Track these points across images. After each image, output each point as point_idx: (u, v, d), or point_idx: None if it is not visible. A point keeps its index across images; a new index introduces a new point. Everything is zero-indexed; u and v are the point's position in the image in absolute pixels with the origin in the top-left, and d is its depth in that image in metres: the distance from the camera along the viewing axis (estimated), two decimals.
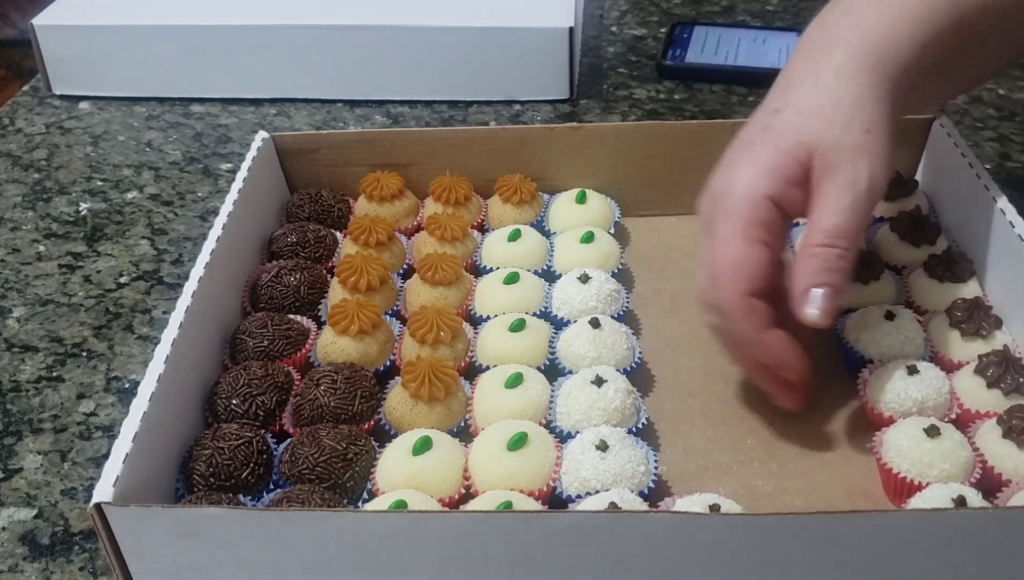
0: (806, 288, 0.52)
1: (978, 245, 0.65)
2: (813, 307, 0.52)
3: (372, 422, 0.58)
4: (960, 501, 0.48)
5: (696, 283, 0.56)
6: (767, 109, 0.56)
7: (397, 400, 0.58)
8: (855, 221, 0.53)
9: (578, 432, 0.55)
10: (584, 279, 0.63)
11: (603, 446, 0.52)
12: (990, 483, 0.52)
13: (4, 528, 0.56)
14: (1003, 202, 0.63)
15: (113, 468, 0.47)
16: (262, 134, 0.73)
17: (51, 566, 0.54)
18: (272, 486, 0.55)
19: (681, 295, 0.69)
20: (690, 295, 0.68)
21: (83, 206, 0.83)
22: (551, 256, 0.69)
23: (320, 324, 0.65)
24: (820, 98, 0.54)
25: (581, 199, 0.72)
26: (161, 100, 0.97)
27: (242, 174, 0.68)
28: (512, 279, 0.65)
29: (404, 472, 0.53)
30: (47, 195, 0.85)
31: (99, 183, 0.86)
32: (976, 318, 0.59)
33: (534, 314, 0.63)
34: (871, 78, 0.54)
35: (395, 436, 0.56)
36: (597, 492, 0.51)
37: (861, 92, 0.54)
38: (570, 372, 0.59)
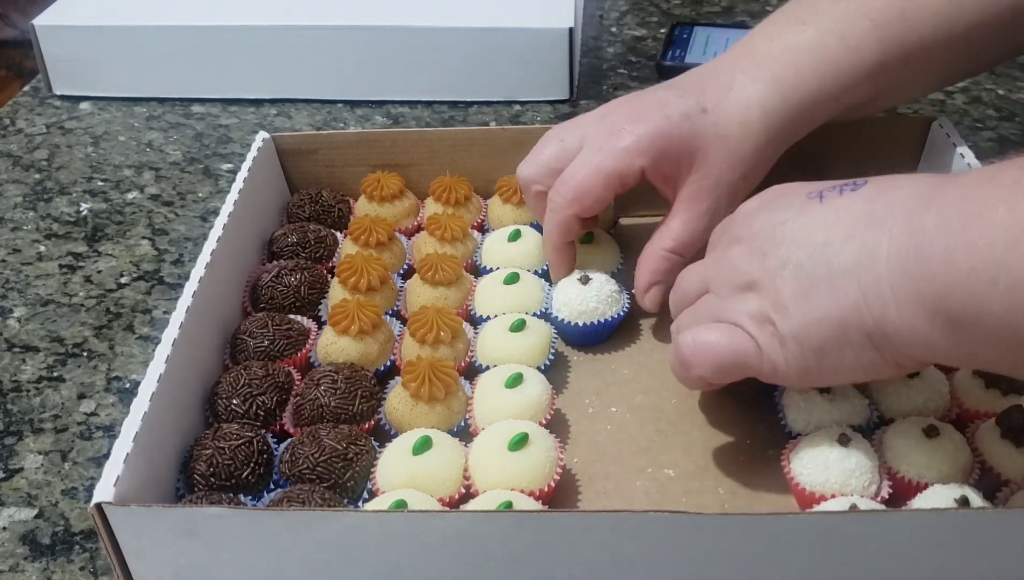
0: (648, 284, 0.63)
1: None
2: (650, 301, 0.63)
3: (372, 422, 0.58)
4: (963, 501, 0.48)
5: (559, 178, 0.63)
6: (696, 99, 0.61)
7: (397, 400, 0.58)
8: (700, 241, 0.61)
9: None
10: (584, 281, 0.63)
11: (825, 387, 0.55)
12: (989, 483, 0.52)
13: (4, 528, 0.56)
14: None
15: (113, 468, 0.47)
16: (262, 134, 0.73)
17: (51, 566, 0.54)
18: (272, 486, 0.55)
19: None
20: None
21: (84, 206, 0.83)
22: None
23: (320, 324, 0.65)
24: (736, 128, 0.60)
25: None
26: (161, 100, 0.97)
27: (242, 174, 0.68)
28: (512, 279, 0.65)
29: (404, 472, 0.53)
30: (48, 195, 0.85)
31: (100, 183, 0.86)
32: None
33: (534, 314, 0.64)
34: (780, 127, 0.61)
35: (395, 436, 0.56)
36: None
37: (763, 143, 0.61)
38: None
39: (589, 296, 0.63)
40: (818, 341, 0.46)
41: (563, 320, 0.63)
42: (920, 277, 0.42)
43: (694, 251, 0.62)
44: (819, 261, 0.46)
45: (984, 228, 0.39)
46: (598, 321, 0.63)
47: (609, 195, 0.62)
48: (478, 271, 0.69)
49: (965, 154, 0.68)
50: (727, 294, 0.51)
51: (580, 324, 0.63)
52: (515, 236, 0.69)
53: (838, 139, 0.72)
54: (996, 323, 0.39)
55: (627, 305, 0.65)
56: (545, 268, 0.68)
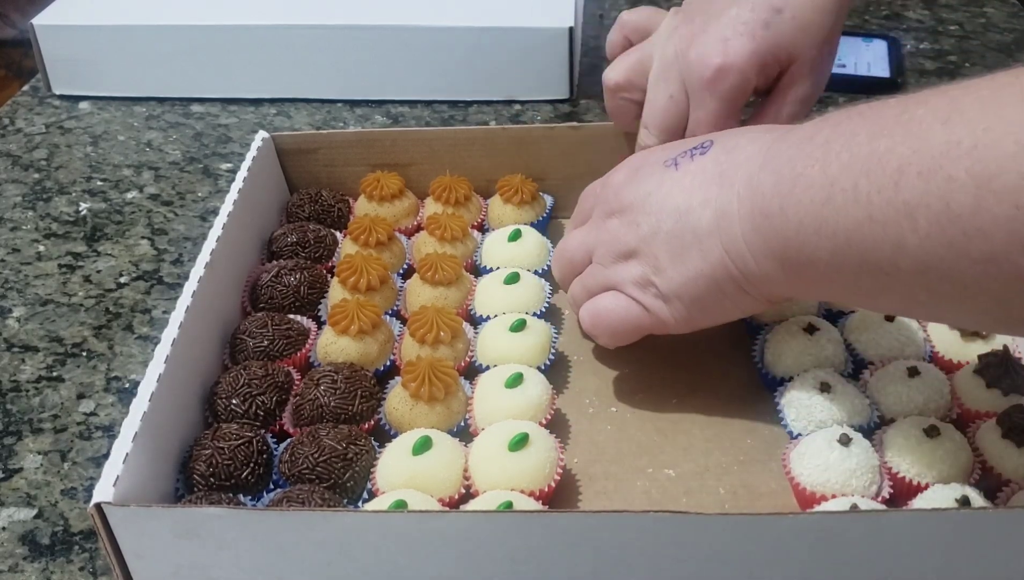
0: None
1: None
2: None
3: (372, 422, 0.58)
4: (964, 501, 0.48)
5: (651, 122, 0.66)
6: (769, 5, 0.62)
7: (397, 400, 0.58)
8: (792, 121, 0.63)
9: (791, 378, 0.58)
10: None
11: (826, 387, 0.56)
12: (990, 483, 0.52)
13: (4, 528, 0.56)
14: None
15: (113, 468, 0.47)
16: (262, 134, 0.73)
17: (51, 566, 0.54)
18: (272, 486, 0.55)
19: None
20: None
21: (83, 206, 0.83)
22: (551, 256, 0.69)
23: (320, 324, 0.65)
24: (812, 14, 0.62)
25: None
26: (161, 100, 0.97)
27: (242, 174, 0.68)
28: (512, 279, 0.65)
29: (404, 472, 0.53)
30: (47, 195, 0.85)
31: (99, 183, 0.86)
32: None
33: (534, 314, 0.63)
34: None
35: (395, 436, 0.56)
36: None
37: (835, 19, 0.63)
38: None
39: None
40: (697, 294, 0.54)
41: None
42: (765, 231, 0.49)
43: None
44: (685, 227, 0.53)
45: (805, 187, 0.46)
46: None
47: (737, 118, 0.64)
48: (478, 271, 0.69)
49: None
50: (610, 263, 0.57)
51: None
52: (515, 236, 0.68)
53: None
54: (825, 266, 0.46)
55: None
56: (545, 268, 0.68)
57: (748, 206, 0.50)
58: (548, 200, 0.75)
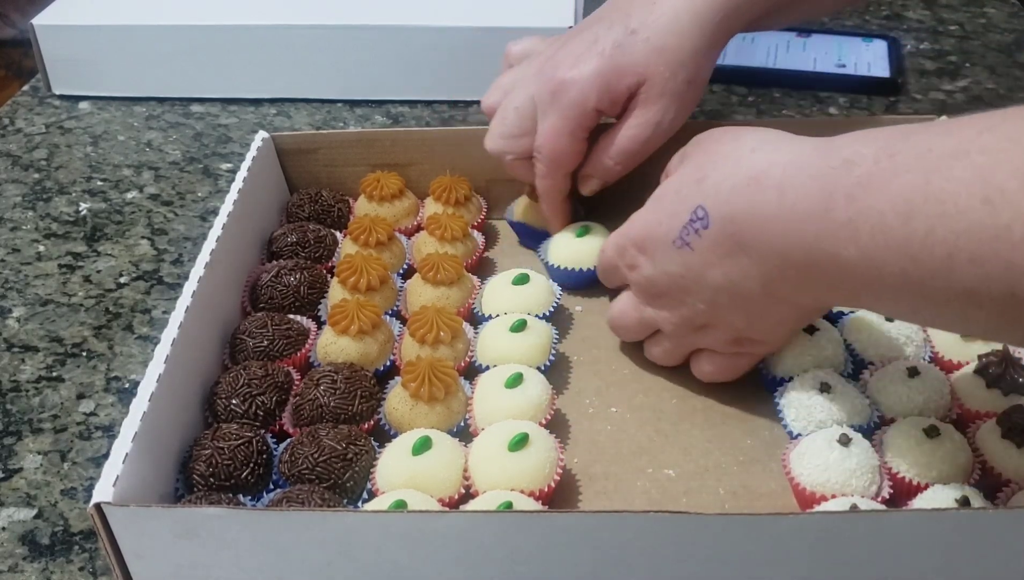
0: (588, 177, 0.69)
1: None
2: (588, 190, 0.69)
3: (372, 422, 0.58)
4: (964, 501, 0.48)
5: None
6: (624, 24, 0.63)
7: (397, 400, 0.58)
8: (642, 152, 0.66)
9: (790, 378, 0.58)
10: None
11: (826, 387, 0.56)
12: (990, 483, 0.52)
13: (4, 528, 0.56)
14: None
15: (113, 468, 0.47)
16: (262, 134, 0.73)
17: (51, 566, 0.54)
18: (272, 486, 0.55)
19: None
20: None
21: (83, 206, 0.83)
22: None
23: (320, 324, 0.65)
24: (669, 37, 0.62)
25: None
26: (161, 100, 0.97)
27: (242, 174, 0.68)
28: (521, 280, 0.65)
29: (404, 472, 0.53)
30: (47, 195, 0.85)
31: (99, 183, 0.86)
32: None
33: (539, 316, 0.63)
34: (714, 26, 0.63)
35: (395, 436, 0.56)
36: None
37: (700, 45, 0.63)
38: None
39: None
40: (783, 334, 0.58)
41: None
42: (817, 293, 0.51)
43: (638, 162, 0.66)
44: (739, 299, 0.54)
45: (847, 268, 0.46)
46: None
47: (582, 145, 0.66)
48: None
49: None
50: (687, 334, 0.59)
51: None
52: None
53: None
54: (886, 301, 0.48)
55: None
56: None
57: (793, 277, 0.50)
58: None
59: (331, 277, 0.67)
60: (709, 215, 0.52)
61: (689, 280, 0.55)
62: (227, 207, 0.65)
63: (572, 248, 0.69)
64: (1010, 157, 0.39)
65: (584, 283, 0.68)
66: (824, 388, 0.55)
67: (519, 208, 0.73)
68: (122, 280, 0.75)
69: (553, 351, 0.62)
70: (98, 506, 0.45)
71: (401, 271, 0.69)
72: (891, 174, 0.43)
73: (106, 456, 0.48)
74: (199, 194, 0.84)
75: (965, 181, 0.40)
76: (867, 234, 0.44)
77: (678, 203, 0.54)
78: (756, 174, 0.50)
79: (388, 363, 0.62)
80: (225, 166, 0.88)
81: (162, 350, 0.54)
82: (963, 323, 0.47)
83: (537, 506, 0.51)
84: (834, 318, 0.63)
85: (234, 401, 0.57)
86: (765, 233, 0.49)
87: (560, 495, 0.54)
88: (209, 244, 0.61)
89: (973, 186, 0.40)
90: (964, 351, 0.59)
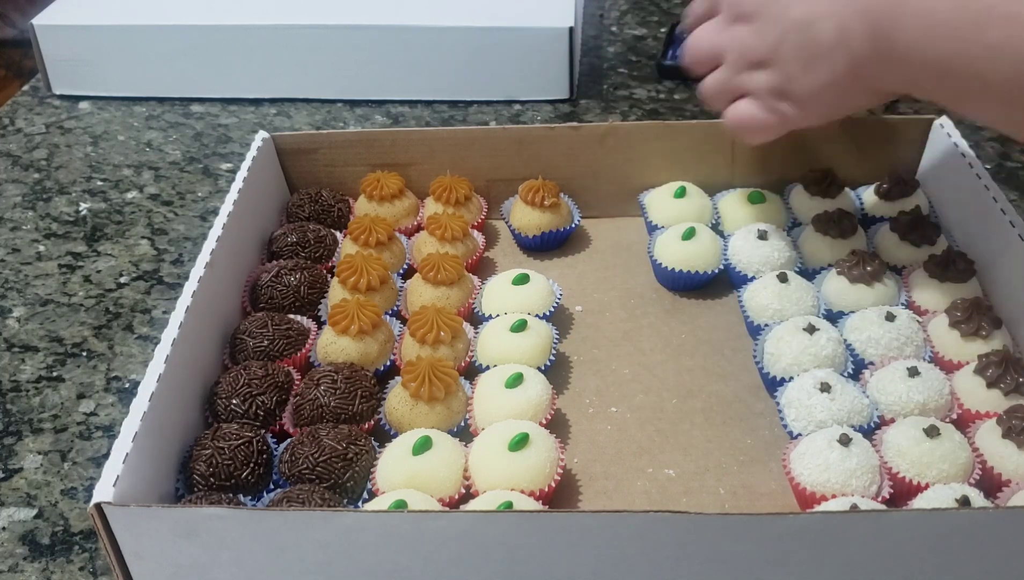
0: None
1: (978, 245, 0.65)
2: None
3: (372, 422, 0.58)
4: (964, 501, 0.48)
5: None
6: None
7: (397, 400, 0.58)
8: None
9: (791, 378, 0.58)
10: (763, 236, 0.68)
11: (826, 387, 0.56)
12: (990, 483, 0.52)
13: (4, 528, 0.56)
14: (1003, 202, 0.63)
15: (113, 468, 0.47)
16: (262, 134, 0.73)
17: (51, 566, 0.54)
18: (272, 486, 0.55)
19: (682, 295, 0.69)
20: (689, 293, 0.69)
21: (83, 206, 0.83)
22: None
23: (320, 324, 0.65)
24: None
25: (680, 193, 0.72)
26: (161, 100, 0.97)
27: (242, 174, 0.68)
28: (521, 280, 0.65)
29: (404, 472, 0.53)
30: (47, 195, 0.85)
31: (99, 183, 0.86)
32: (976, 318, 0.59)
33: (539, 316, 0.63)
34: None
35: (395, 436, 0.56)
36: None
37: None
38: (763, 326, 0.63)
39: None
40: (827, 100, 0.59)
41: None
42: (884, 51, 0.54)
43: None
44: (810, 39, 0.57)
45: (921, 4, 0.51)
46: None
47: None
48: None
49: (966, 153, 0.68)
50: (742, 69, 0.61)
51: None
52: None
53: (840, 139, 0.72)
54: (932, 76, 0.53)
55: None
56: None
57: (868, 22, 0.54)
58: (575, 212, 0.74)
59: (331, 277, 0.67)
60: None
61: (778, 7, 0.58)
62: (227, 207, 0.65)
63: (679, 250, 0.68)
64: None
65: (689, 285, 0.68)
66: (824, 388, 0.55)
67: (514, 216, 0.73)
68: (122, 280, 0.75)
69: (553, 351, 0.62)
70: (98, 506, 0.45)
71: (401, 271, 0.69)
72: None
73: (106, 456, 0.48)
74: (199, 194, 0.84)
75: None
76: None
77: None
78: None
79: (388, 363, 0.62)
80: (225, 166, 0.88)
81: (162, 350, 0.54)
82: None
83: (537, 506, 0.51)
84: (834, 318, 0.63)
85: (234, 401, 0.57)
86: None
87: (560, 495, 0.54)
88: (209, 244, 0.61)
89: None
90: (964, 351, 0.59)
